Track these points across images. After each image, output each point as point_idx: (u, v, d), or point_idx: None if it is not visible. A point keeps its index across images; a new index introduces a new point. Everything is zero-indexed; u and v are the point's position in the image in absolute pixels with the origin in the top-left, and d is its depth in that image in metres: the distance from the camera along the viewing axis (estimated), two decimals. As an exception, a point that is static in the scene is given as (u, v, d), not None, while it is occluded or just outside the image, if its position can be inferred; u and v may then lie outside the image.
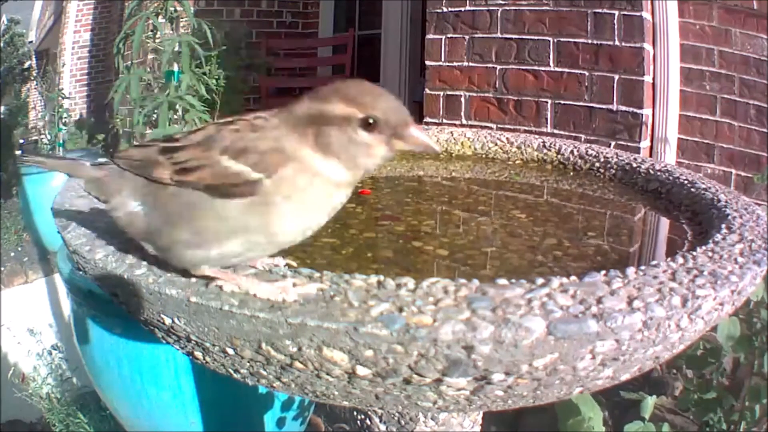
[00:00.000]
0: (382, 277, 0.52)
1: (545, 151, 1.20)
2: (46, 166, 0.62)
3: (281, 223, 0.50)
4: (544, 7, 2.46)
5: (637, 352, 0.50)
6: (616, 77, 2.34)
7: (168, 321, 0.54)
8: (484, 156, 1.24)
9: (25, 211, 3.84)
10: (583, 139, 2.37)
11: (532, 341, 0.45)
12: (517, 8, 2.53)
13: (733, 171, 2.36)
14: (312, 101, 0.50)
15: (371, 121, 0.48)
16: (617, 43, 2.32)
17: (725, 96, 2.35)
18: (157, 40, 2.67)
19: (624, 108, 2.33)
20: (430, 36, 2.75)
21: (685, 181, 0.93)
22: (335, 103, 0.49)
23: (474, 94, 2.66)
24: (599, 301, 0.49)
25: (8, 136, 5.69)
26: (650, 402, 1.33)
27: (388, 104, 0.49)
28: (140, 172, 0.55)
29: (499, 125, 2.60)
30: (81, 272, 0.65)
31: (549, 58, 2.47)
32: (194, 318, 0.51)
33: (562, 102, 2.47)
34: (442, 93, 2.73)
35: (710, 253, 0.60)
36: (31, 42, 8.95)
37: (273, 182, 0.49)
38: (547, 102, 2.50)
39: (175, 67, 2.59)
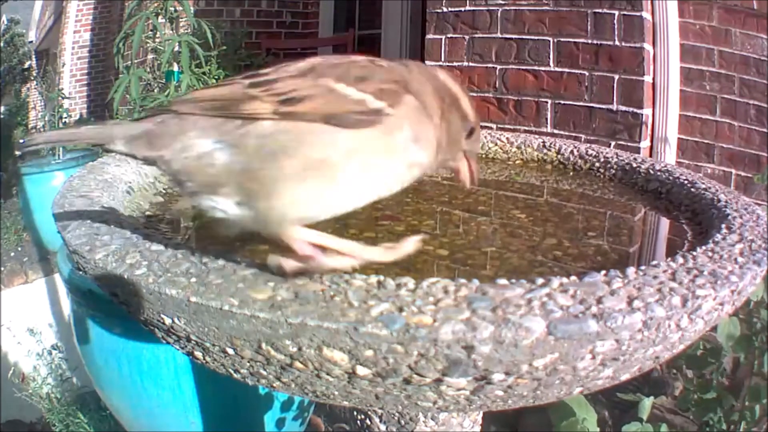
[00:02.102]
0: (382, 277, 0.52)
1: (545, 151, 1.20)
2: (61, 141, 0.54)
3: (401, 156, 0.48)
4: (544, 7, 2.46)
5: (637, 352, 0.50)
6: (616, 77, 2.34)
7: (168, 321, 0.54)
8: (484, 156, 1.24)
9: (25, 211, 3.84)
10: (583, 139, 2.37)
11: (532, 341, 0.45)
12: (517, 8, 2.53)
13: (733, 171, 2.36)
14: (450, 79, 0.52)
15: (472, 131, 0.52)
16: (617, 43, 2.32)
17: (725, 96, 2.35)
18: (157, 40, 2.67)
19: (624, 108, 2.33)
20: (430, 36, 2.75)
21: (685, 181, 0.93)
22: (466, 102, 0.52)
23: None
24: (599, 301, 0.49)
25: (8, 136, 5.69)
26: (648, 403, 1.33)
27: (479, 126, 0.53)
28: (222, 113, 0.48)
29: (499, 125, 2.60)
30: (81, 272, 0.64)
31: (549, 58, 2.47)
32: (194, 318, 0.51)
33: (562, 102, 2.47)
34: (442, 93, 2.73)
35: (710, 253, 0.60)
36: (31, 42, 8.96)
37: (396, 112, 0.47)
38: (547, 102, 2.50)
39: (175, 67, 2.59)
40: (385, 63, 0.51)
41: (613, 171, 1.09)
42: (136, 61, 2.80)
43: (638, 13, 2.28)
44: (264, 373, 0.54)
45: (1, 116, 6.56)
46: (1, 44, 7.92)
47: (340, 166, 0.46)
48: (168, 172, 0.50)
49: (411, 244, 0.47)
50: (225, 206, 0.48)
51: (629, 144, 2.32)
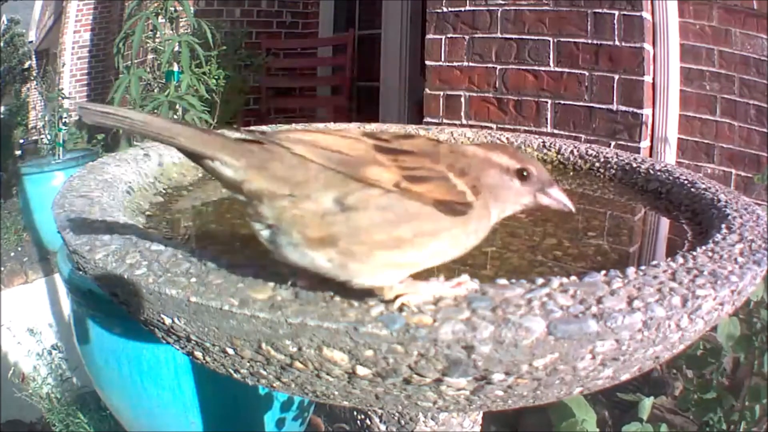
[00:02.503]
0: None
1: (545, 151, 1.20)
2: (127, 126, 0.46)
3: (467, 244, 0.54)
4: (544, 7, 2.46)
5: (637, 352, 0.50)
6: (616, 77, 2.34)
7: (168, 321, 0.54)
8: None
9: (25, 211, 3.84)
10: (583, 139, 2.37)
11: (532, 341, 0.45)
12: (517, 8, 2.53)
13: (733, 171, 2.36)
14: (481, 148, 0.57)
15: (525, 173, 0.56)
16: (617, 43, 2.32)
17: (725, 96, 2.36)
18: (157, 40, 2.67)
19: (624, 108, 2.33)
20: (430, 36, 2.75)
21: (685, 181, 0.93)
22: (500, 155, 0.56)
23: (474, 94, 2.66)
24: (599, 301, 0.49)
25: (8, 136, 5.69)
26: (648, 403, 1.33)
27: (539, 165, 0.57)
28: (345, 169, 0.48)
29: (499, 125, 2.61)
30: (81, 272, 0.64)
31: (549, 58, 2.48)
32: (194, 318, 0.51)
33: (562, 102, 2.47)
34: (442, 93, 2.74)
35: (710, 253, 0.60)
36: (31, 42, 8.96)
37: (476, 207, 0.53)
38: (547, 102, 2.50)
39: (175, 67, 2.59)
40: (467, 149, 0.57)
41: (613, 171, 1.09)
42: (136, 61, 2.80)
43: (638, 13, 2.28)
44: (264, 373, 0.54)
45: (1, 116, 6.56)
46: (1, 44, 7.92)
47: (436, 242, 0.51)
48: (267, 215, 0.48)
49: (472, 284, 0.52)
50: (318, 261, 0.48)
51: (629, 144, 2.32)
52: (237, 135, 0.50)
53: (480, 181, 0.54)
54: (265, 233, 0.50)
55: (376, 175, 0.49)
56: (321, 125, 1.30)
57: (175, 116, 2.57)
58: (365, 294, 0.50)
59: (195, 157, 0.49)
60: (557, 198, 0.57)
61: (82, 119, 0.47)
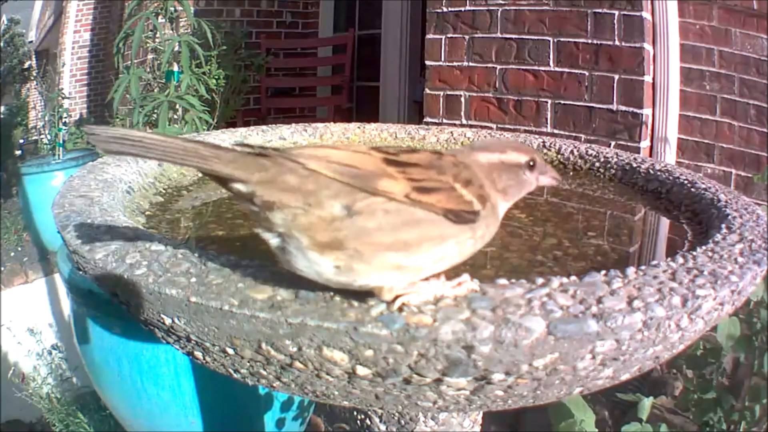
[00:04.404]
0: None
1: (545, 151, 1.20)
2: (130, 148, 0.46)
3: (473, 249, 0.55)
4: (544, 7, 2.46)
5: (637, 352, 0.50)
6: (616, 77, 2.34)
7: (168, 321, 0.54)
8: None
9: (25, 211, 3.84)
10: (583, 139, 2.37)
11: (532, 341, 0.45)
12: (517, 8, 2.53)
13: (733, 171, 2.37)
14: (487, 152, 0.59)
15: (531, 162, 0.60)
16: (617, 43, 2.32)
17: (725, 96, 2.36)
18: (157, 40, 2.68)
19: (624, 108, 2.33)
20: (430, 36, 2.75)
21: (685, 181, 0.93)
22: (510, 153, 0.59)
23: (474, 94, 2.66)
24: (599, 301, 0.49)
25: (8, 136, 5.69)
26: (648, 403, 1.33)
27: (535, 150, 0.62)
28: (356, 182, 0.50)
29: (499, 125, 2.61)
30: (81, 272, 0.64)
31: (549, 58, 2.48)
32: (194, 318, 0.51)
33: (562, 102, 2.47)
34: (442, 93, 2.74)
35: (710, 253, 0.60)
36: (31, 42, 8.96)
37: (482, 215, 0.55)
38: (547, 102, 2.50)
39: (175, 67, 2.59)
40: (466, 159, 0.59)
41: (613, 171, 1.09)
42: (136, 61, 2.80)
43: (638, 13, 2.28)
44: (264, 373, 0.54)
45: (1, 116, 6.56)
46: (1, 44, 7.92)
47: (442, 248, 0.52)
48: (278, 223, 0.50)
49: (473, 284, 0.53)
50: (325, 266, 0.49)
51: (629, 144, 2.32)
52: (248, 149, 0.50)
53: (490, 188, 0.57)
54: (274, 241, 0.51)
55: (388, 187, 0.50)
56: (321, 125, 1.30)
57: (175, 116, 2.58)
58: (365, 294, 0.50)
59: (208, 173, 0.49)
60: (553, 176, 0.61)
61: (94, 146, 0.47)
